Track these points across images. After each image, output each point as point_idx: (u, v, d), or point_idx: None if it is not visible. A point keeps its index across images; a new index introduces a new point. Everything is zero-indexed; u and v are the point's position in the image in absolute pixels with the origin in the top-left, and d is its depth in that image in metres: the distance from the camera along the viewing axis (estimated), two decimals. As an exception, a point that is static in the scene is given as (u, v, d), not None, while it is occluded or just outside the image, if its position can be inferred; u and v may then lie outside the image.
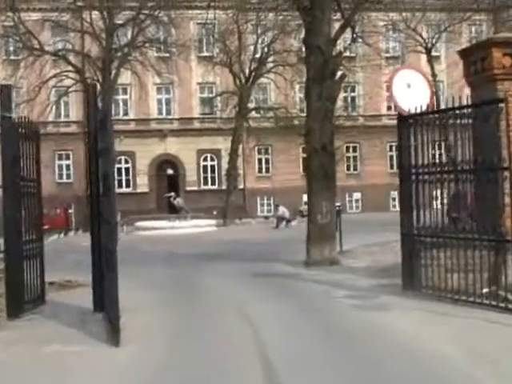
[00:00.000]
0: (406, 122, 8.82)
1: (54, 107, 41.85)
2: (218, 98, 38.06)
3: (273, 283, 10.66)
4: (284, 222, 30.11)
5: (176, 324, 7.62)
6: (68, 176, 43.74)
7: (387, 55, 39.72)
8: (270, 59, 35.45)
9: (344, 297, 8.87)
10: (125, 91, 42.02)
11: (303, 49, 37.21)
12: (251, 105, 37.12)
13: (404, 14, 23.10)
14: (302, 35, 35.40)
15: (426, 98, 8.83)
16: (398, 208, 32.99)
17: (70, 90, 33.41)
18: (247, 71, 35.04)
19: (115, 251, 7.19)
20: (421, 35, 23.95)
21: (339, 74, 12.88)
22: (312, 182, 12.74)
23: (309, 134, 12.56)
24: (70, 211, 42.05)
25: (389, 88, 8.91)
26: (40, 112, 32.41)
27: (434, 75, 25.92)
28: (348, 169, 46.18)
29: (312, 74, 12.51)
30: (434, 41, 24.27)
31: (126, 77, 35.96)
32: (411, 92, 8.87)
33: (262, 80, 36.67)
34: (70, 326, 7.55)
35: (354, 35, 14.75)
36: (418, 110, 8.56)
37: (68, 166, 43.76)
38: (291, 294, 9.40)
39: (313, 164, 12.57)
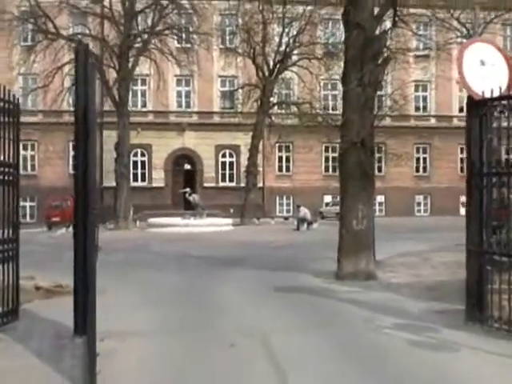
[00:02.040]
0: (479, 109, 6.99)
1: (69, 96, 40.77)
2: (240, 91, 36.29)
3: (301, 302, 8.82)
4: (305, 224, 28.28)
5: (178, 364, 5.84)
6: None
7: (418, 53, 37.88)
8: (296, 52, 33.61)
9: (394, 327, 7.04)
10: (144, 82, 40.68)
11: (330, 40, 36.09)
12: (274, 99, 35.25)
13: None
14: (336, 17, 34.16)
15: (505, 79, 6.98)
16: (422, 213, 31.31)
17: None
18: (271, 64, 33.23)
19: (94, 266, 5.43)
20: (464, 25, 22.08)
21: (383, 56, 11.07)
22: (347, 182, 10.92)
23: (345, 126, 10.75)
24: (82, 204, 40.66)
25: (458, 66, 7.03)
26: (53, 99, 30.98)
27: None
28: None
29: (351, 55, 10.70)
30: (479, 31, 22.42)
31: (145, 67, 34.34)
32: (486, 70, 7.03)
33: (286, 73, 34.80)
34: (36, 356, 5.83)
35: (396, 18, 12.80)
36: (495, 94, 6.72)
37: (83, 158, 42.28)
38: (326, 319, 7.55)
39: (349, 161, 10.75)
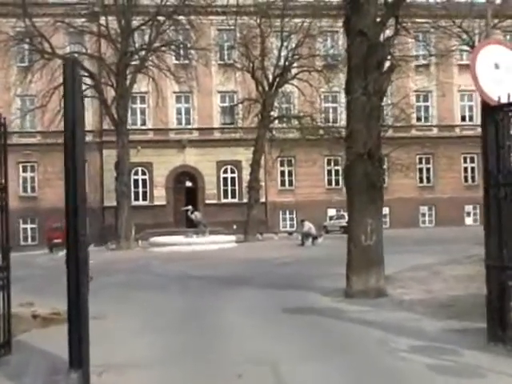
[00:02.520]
0: (495, 115, 6.56)
1: (68, 116, 40.47)
2: (240, 106, 35.97)
3: (311, 325, 8.32)
4: (310, 239, 27.78)
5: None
6: (82, 188, 41.91)
7: (418, 63, 37.61)
8: (295, 64, 33.32)
9: (411, 350, 6.56)
10: (143, 100, 40.47)
11: (330, 52, 35.81)
12: (274, 113, 34.91)
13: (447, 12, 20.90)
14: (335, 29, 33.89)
15: (522, 83, 6.55)
16: (427, 224, 30.78)
17: (82, 95, 31.40)
18: (270, 77, 32.93)
19: (86, 296, 4.99)
20: (466, 32, 21.73)
21: (388, 64, 10.67)
22: (354, 196, 10.46)
23: (350, 137, 10.32)
24: (83, 224, 40.24)
25: (471, 69, 6.61)
26: (51, 119, 30.65)
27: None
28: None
29: (354, 63, 10.30)
30: (481, 38, 22.06)
31: (143, 85, 34.12)
32: (500, 74, 6.61)
33: (286, 87, 34.46)
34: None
35: (398, 26, 12.41)
36: (512, 99, 6.30)
37: (83, 177, 41.95)
38: (338, 344, 7.06)
39: (355, 173, 10.30)
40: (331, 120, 38.47)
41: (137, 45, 32.23)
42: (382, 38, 11.13)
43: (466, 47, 23.16)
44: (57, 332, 8.32)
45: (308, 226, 28.36)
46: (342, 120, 36.08)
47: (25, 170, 41.47)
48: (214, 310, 9.75)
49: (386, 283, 10.69)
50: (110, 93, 31.55)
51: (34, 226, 41.39)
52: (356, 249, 10.35)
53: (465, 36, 21.90)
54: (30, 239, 41.55)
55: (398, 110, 24.51)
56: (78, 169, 5.00)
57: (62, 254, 28.62)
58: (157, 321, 9.08)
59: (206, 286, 13.38)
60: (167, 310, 10.21)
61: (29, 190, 41.46)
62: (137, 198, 41.15)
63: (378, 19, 10.75)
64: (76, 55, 30.20)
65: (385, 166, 10.66)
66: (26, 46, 32.16)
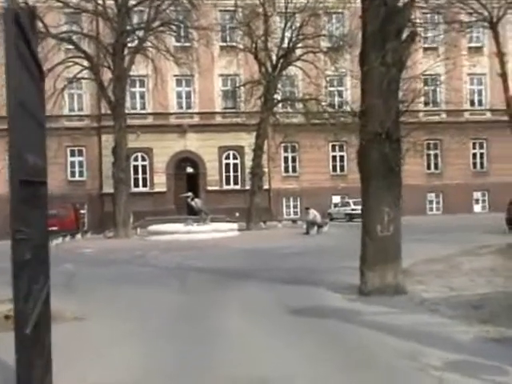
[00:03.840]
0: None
1: (66, 100, 39.27)
2: (242, 90, 34.64)
3: (322, 330, 7.11)
4: (315, 228, 26.60)
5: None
6: (81, 173, 41.07)
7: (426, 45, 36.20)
8: (300, 45, 31.94)
9: (446, 366, 5.39)
10: (142, 83, 39.33)
11: (336, 33, 34.44)
12: (278, 97, 33.58)
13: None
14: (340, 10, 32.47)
15: None
16: (435, 211, 29.62)
17: (78, 76, 30.22)
18: (274, 59, 31.59)
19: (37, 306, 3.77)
20: (485, 6, 20.46)
21: (407, 32, 9.42)
22: (368, 181, 9.26)
23: (366, 114, 9.08)
24: (81, 212, 39.24)
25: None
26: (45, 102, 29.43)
27: (500, 53, 22.20)
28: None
29: (370, 31, 9.05)
30: (500, 13, 20.76)
31: (143, 68, 32.85)
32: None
33: (291, 69, 33.09)
34: None
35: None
36: None
37: (81, 163, 41.11)
38: (358, 358, 5.83)
39: (371, 156, 9.09)
40: (337, 104, 37.30)
41: (135, 25, 30.92)
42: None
43: (484, 23, 21.87)
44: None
45: (313, 213, 27.18)
46: (348, 104, 35.18)
47: (21, 156, 40.35)
48: (212, 311, 8.56)
49: (404, 279, 9.49)
50: (107, 75, 30.28)
51: (30, 212, 40.29)
52: (371, 241, 9.16)
53: (484, 11, 20.62)
54: (26, 226, 40.48)
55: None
56: (21, 144, 3.77)
57: (57, 242, 27.62)
58: (146, 324, 7.93)
59: (204, 281, 12.24)
60: (160, 310, 9.05)
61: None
62: (136, 185, 40.17)
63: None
64: (71, 35, 28.95)
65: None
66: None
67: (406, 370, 5.41)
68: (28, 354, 3.83)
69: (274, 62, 31.48)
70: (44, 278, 4.82)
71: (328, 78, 35.83)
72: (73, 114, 39.90)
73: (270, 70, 31.48)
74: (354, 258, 14.16)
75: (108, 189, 35.85)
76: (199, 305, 9.26)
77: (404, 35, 9.18)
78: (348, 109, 34.25)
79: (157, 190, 40.51)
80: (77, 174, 40.96)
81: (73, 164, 41.04)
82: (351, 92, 36.20)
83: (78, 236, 31.04)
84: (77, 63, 29.48)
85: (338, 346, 6.39)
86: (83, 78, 31.25)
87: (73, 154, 40.84)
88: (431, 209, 43.77)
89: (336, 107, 36.20)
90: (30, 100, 4.37)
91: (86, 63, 29.99)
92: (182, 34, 33.99)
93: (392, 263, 9.16)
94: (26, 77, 4.28)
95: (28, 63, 4.45)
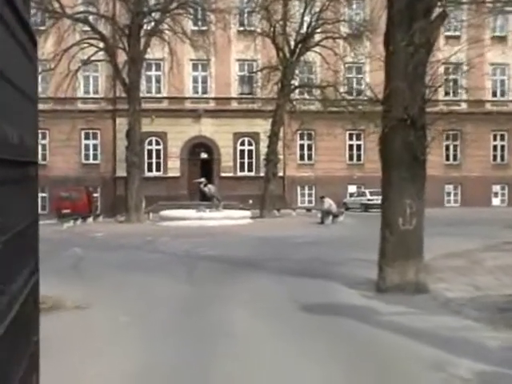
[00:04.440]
0: None
1: (81, 82, 38.86)
2: (259, 74, 33.95)
3: (338, 332, 6.53)
4: (330, 217, 25.99)
5: None
6: (95, 157, 40.68)
7: (448, 33, 35.28)
8: (319, 30, 31.15)
9: (476, 379, 4.85)
10: (158, 67, 38.72)
11: (357, 19, 33.62)
12: (295, 83, 32.85)
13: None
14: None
15: None
16: (452, 203, 28.88)
17: (93, 58, 29.70)
18: (292, 44, 30.87)
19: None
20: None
21: (437, 11, 8.78)
22: (390, 171, 8.67)
23: (390, 98, 8.48)
24: (95, 195, 38.96)
25: None
26: (59, 83, 29.05)
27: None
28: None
29: (396, 10, 8.42)
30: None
31: (159, 51, 32.23)
32: None
33: (309, 55, 32.33)
34: None
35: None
36: None
37: (95, 146, 40.71)
38: (377, 365, 5.30)
39: (394, 143, 8.50)
40: (355, 92, 36.57)
41: (152, 6, 30.31)
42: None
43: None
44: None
45: (328, 202, 26.56)
46: (366, 93, 34.41)
47: (35, 137, 40.08)
48: (218, 304, 8.06)
49: (426, 276, 8.91)
50: (122, 57, 29.78)
51: (43, 194, 40.07)
52: (392, 235, 8.58)
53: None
54: (39, 208, 40.25)
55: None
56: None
57: (68, 225, 27.30)
58: (148, 316, 7.45)
59: (213, 270, 11.74)
60: (164, 300, 8.58)
61: (40, 157, 40.00)
62: (150, 169, 39.77)
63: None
64: (87, 15, 28.44)
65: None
66: (33, 5, 30.27)
67: (430, 380, 4.87)
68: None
69: (292, 47, 30.76)
70: (30, 270, 4.32)
71: (347, 65, 35.08)
72: (88, 96, 39.47)
73: (287, 55, 30.78)
74: (371, 251, 13.61)
75: (121, 172, 35.44)
76: (204, 297, 8.75)
77: (433, 15, 8.53)
78: (366, 96, 33.70)
79: (170, 174, 40.07)
80: (91, 157, 40.64)
81: (87, 147, 40.69)
82: (370, 79, 35.58)
83: (90, 219, 30.70)
84: (92, 45, 28.97)
85: (354, 351, 5.83)
86: (98, 60, 30.74)
87: (87, 136, 40.49)
88: (449, 201, 42.92)
89: (354, 95, 35.49)
90: (14, 70, 3.85)
91: (101, 45, 29.48)
92: (199, 16, 33.33)
93: (413, 259, 8.59)
94: (10, 44, 3.76)
95: (15, 31, 3.92)
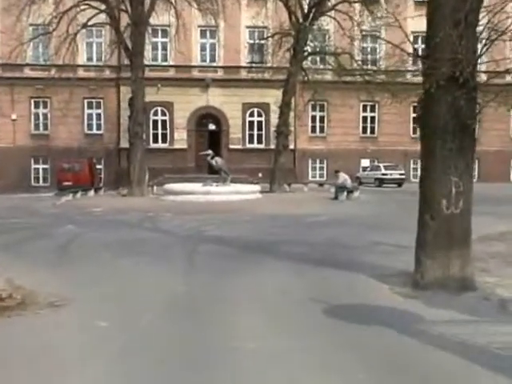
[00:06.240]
0: None
1: (84, 49, 37.12)
2: (270, 40, 32.07)
3: (371, 346, 4.94)
4: (345, 193, 24.39)
5: None
6: (98, 127, 39.20)
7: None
8: (334, -7, 29.26)
9: None
10: (164, 33, 37.05)
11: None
12: (308, 49, 30.99)
13: None
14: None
15: None
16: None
17: (94, 22, 27.90)
18: (306, 8, 28.99)
19: None
20: None
21: None
22: (432, 140, 7.06)
23: (435, 52, 6.81)
24: (98, 167, 37.53)
25: None
26: (57, 48, 27.38)
27: None
28: (414, 131, 40.22)
29: None
30: None
31: (165, 17, 30.37)
32: None
33: (323, 20, 30.36)
34: None
35: None
36: None
37: (99, 116, 39.19)
38: None
39: (438, 108, 6.89)
40: (370, 64, 34.78)
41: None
42: None
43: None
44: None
45: (343, 177, 24.94)
46: (382, 63, 32.62)
47: (37, 106, 38.60)
48: (220, 306, 6.50)
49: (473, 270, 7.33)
50: (125, 21, 28.05)
51: (46, 166, 38.76)
52: (433, 220, 7.01)
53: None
54: (41, 180, 39.04)
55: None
56: None
57: (66, 198, 25.84)
58: (129, 321, 5.95)
59: (217, 255, 10.23)
60: (156, 295, 7.09)
61: (41, 127, 38.64)
62: (156, 141, 38.42)
63: None
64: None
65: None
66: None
67: None
68: None
69: (306, 11, 28.88)
70: None
71: (361, 34, 33.19)
72: (91, 64, 37.82)
73: (300, 19, 28.91)
74: (395, 232, 12.13)
75: (126, 144, 33.89)
76: (203, 292, 7.21)
77: None
78: (383, 66, 31.99)
79: (177, 146, 38.65)
80: (94, 127, 39.17)
81: (90, 116, 39.19)
82: (386, 48, 33.75)
83: (91, 193, 29.25)
84: (92, 6, 27.20)
85: (397, 377, 4.30)
86: (99, 23, 28.94)
87: (90, 106, 38.97)
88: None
89: (369, 65, 33.73)
90: None
91: (103, 7, 27.72)
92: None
93: (459, 250, 7.02)
94: None
95: None
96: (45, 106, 38.64)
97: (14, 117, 37.85)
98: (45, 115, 38.76)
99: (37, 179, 39.14)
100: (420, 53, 7.77)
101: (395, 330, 5.42)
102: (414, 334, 5.28)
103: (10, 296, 7.12)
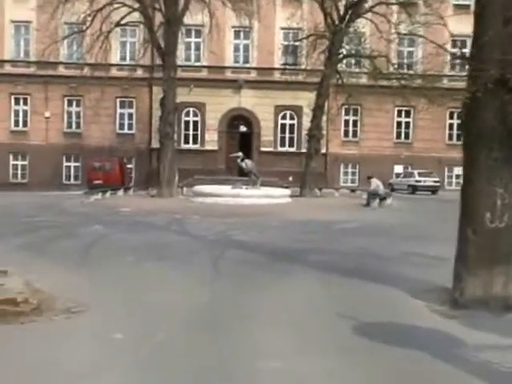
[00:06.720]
0: None
1: (118, 48, 37.18)
2: (305, 42, 31.59)
3: (410, 379, 4.53)
4: (377, 200, 23.78)
5: None
6: (130, 126, 39.27)
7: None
8: (372, -5, 28.69)
9: None
10: (198, 33, 36.93)
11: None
12: (343, 51, 30.47)
13: None
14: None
15: None
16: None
17: (128, 20, 27.80)
18: (342, 9, 28.47)
19: None
20: None
21: None
22: (477, 148, 6.56)
23: (482, 53, 6.32)
24: (129, 166, 37.55)
25: None
26: (90, 47, 27.34)
27: None
28: (450, 138, 39.31)
29: None
30: None
31: (199, 17, 30.13)
32: None
33: (359, 22, 29.81)
34: None
35: None
36: None
37: (130, 115, 39.27)
38: None
39: (484, 112, 6.38)
40: (406, 68, 34.18)
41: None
42: None
43: None
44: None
45: (376, 183, 24.33)
46: (419, 67, 31.96)
47: (70, 104, 38.84)
48: (243, 316, 6.08)
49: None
50: (159, 20, 27.88)
51: (77, 164, 38.93)
52: (475, 234, 6.50)
53: None
54: (72, 178, 39.25)
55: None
56: None
57: (95, 197, 25.74)
58: (146, 335, 5.57)
59: (244, 262, 9.82)
60: (177, 304, 6.71)
61: (73, 125, 38.84)
62: (187, 141, 38.32)
63: None
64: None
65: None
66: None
67: None
68: None
69: (342, 12, 28.36)
70: None
71: (398, 38, 32.59)
72: (124, 63, 37.86)
73: (336, 21, 28.40)
74: (431, 243, 11.61)
75: (157, 144, 33.74)
76: (227, 307, 6.74)
77: None
78: (419, 71, 31.32)
79: (208, 147, 38.49)
80: (126, 127, 39.23)
81: (122, 116, 39.29)
82: (423, 52, 33.11)
83: (120, 192, 29.15)
84: (126, 5, 27.08)
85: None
86: (132, 22, 28.84)
87: (122, 105, 39.07)
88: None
89: (405, 69, 33.11)
90: None
91: (136, 6, 27.60)
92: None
93: (503, 266, 6.50)
94: None
95: None
96: (78, 105, 38.85)
97: (47, 115, 38.14)
98: (77, 114, 38.96)
99: (68, 177, 39.36)
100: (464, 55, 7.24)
101: (434, 354, 4.94)
102: (455, 361, 4.79)
103: (25, 301, 6.82)
